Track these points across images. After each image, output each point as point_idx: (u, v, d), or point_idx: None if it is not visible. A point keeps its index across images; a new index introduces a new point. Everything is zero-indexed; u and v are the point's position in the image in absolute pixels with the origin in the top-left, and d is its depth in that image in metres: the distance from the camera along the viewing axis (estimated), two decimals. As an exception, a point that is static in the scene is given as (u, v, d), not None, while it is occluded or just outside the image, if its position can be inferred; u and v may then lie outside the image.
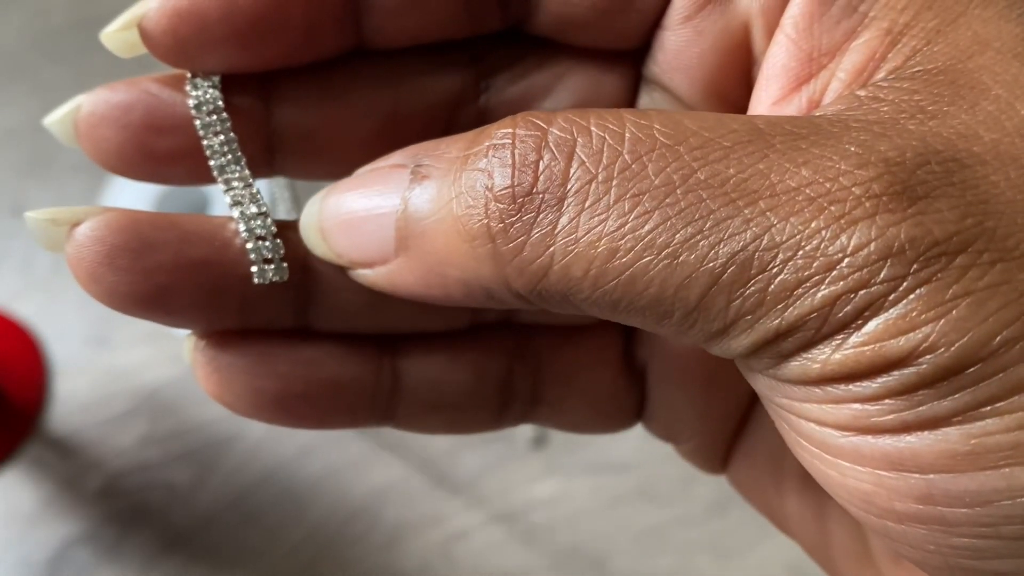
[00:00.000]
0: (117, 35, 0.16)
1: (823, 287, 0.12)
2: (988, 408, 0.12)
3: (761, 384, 0.14)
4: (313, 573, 0.47)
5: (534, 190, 0.13)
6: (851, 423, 0.13)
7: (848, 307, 0.12)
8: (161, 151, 0.16)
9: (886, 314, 0.12)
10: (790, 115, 0.14)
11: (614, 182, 0.13)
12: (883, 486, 0.13)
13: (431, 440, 0.49)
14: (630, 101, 0.18)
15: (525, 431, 0.50)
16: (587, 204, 0.13)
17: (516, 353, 0.19)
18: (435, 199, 0.14)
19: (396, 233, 0.14)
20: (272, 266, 0.16)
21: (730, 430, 0.20)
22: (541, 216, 0.13)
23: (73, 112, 0.16)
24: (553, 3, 0.17)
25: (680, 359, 0.20)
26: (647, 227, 0.13)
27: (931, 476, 0.12)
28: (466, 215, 0.14)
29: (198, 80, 0.16)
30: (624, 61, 0.18)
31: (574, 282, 0.13)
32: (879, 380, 0.12)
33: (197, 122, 0.16)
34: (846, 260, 0.12)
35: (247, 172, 0.16)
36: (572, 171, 0.13)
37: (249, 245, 0.16)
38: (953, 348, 0.12)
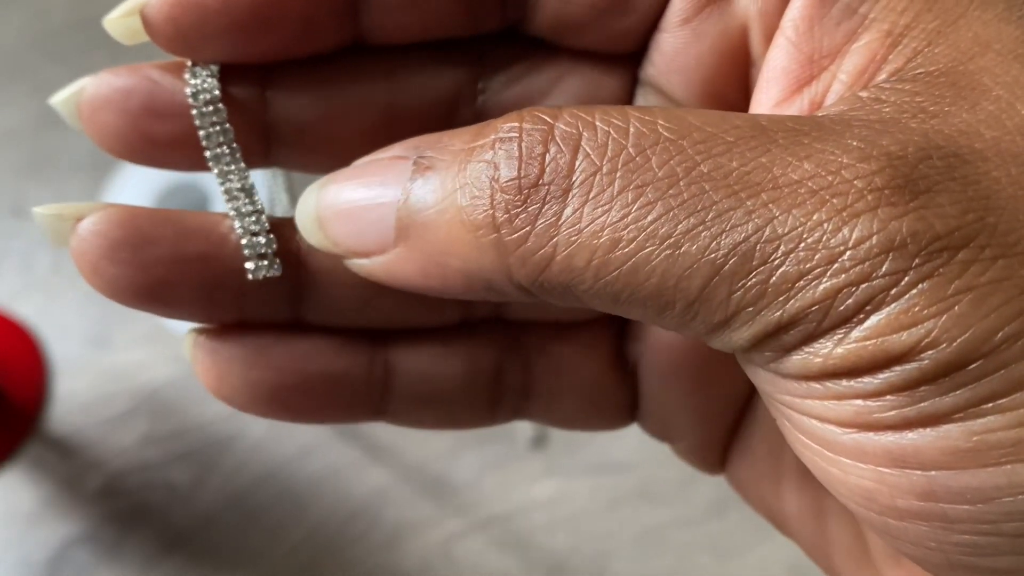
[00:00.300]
0: (120, 21, 0.16)
1: (825, 279, 0.12)
2: (990, 405, 0.12)
3: (763, 380, 0.14)
4: (313, 573, 0.47)
5: (540, 181, 0.13)
6: (853, 419, 0.13)
7: (850, 300, 0.12)
8: (160, 136, 0.16)
9: (888, 309, 0.12)
10: (793, 114, 0.14)
11: (618, 174, 0.13)
12: (885, 483, 0.13)
13: (431, 440, 0.49)
14: (627, 104, 0.18)
15: (525, 431, 0.50)
16: (591, 195, 0.13)
17: (506, 348, 0.19)
18: (438, 190, 0.14)
19: (397, 223, 0.14)
20: (266, 262, 0.16)
21: (725, 429, 0.20)
22: (546, 207, 0.13)
23: (77, 94, 0.16)
24: (551, 3, 0.17)
25: (671, 357, 0.20)
26: (649, 218, 0.13)
27: (933, 473, 0.12)
28: (471, 205, 0.14)
29: (197, 69, 0.16)
30: (621, 64, 0.18)
31: (576, 273, 0.13)
32: (881, 376, 0.12)
33: (194, 111, 0.16)
34: (848, 253, 0.12)
35: (242, 164, 0.17)
36: (577, 163, 0.13)
37: (243, 241, 0.16)
38: (955, 344, 0.12)
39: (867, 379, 0.12)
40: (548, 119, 0.13)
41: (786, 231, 0.12)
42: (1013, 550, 0.12)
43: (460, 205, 0.14)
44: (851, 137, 0.13)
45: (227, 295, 0.17)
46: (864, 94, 0.14)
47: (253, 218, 0.17)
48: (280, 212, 0.25)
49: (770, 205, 0.12)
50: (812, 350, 0.13)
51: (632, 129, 0.13)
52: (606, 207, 0.13)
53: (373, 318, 0.18)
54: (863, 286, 0.12)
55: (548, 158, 0.13)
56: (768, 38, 0.16)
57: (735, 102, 0.17)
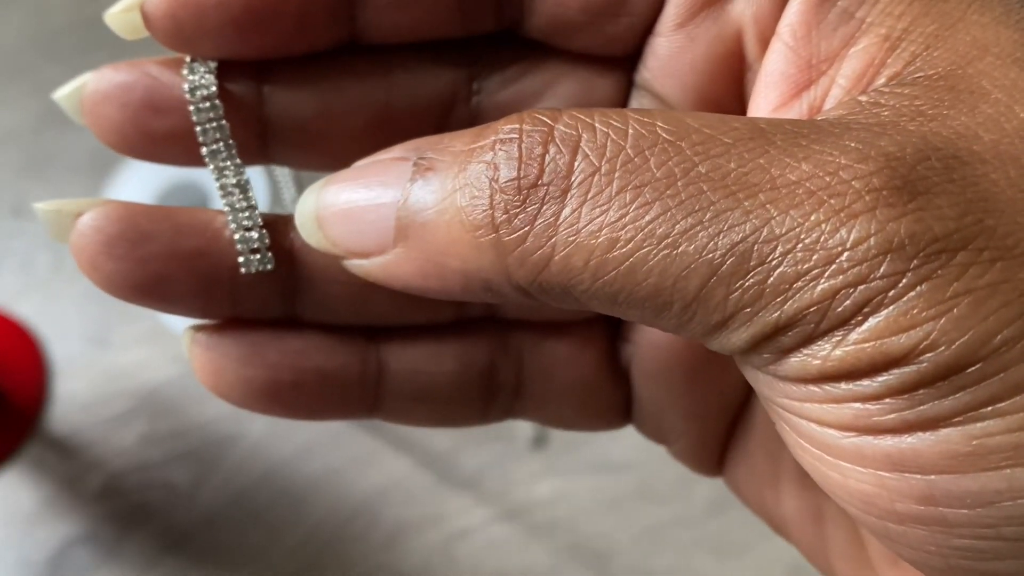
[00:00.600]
0: (120, 16, 0.16)
1: (822, 281, 0.12)
2: (989, 408, 0.12)
3: (762, 384, 0.14)
4: (313, 572, 0.47)
5: (539, 182, 0.13)
6: (852, 423, 0.13)
7: (848, 302, 0.12)
8: (158, 131, 0.17)
9: (886, 311, 0.12)
10: (791, 117, 0.14)
11: (616, 174, 0.13)
12: (884, 487, 0.13)
13: (431, 440, 0.49)
14: (621, 107, 0.18)
15: (525, 431, 0.50)
16: (590, 195, 0.13)
17: (499, 347, 0.19)
18: (438, 191, 0.14)
19: (396, 224, 0.14)
20: (258, 256, 0.17)
21: (721, 431, 0.20)
22: (545, 207, 0.13)
23: (79, 89, 0.17)
24: (546, 6, 0.17)
25: (663, 358, 0.20)
26: (647, 218, 0.13)
27: (932, 477, 0.12)
28: (470, 206, 0.14)
29: (195, 65, 0.17)
30: (616, 67, 0.18)
31: (574, 273, 0.13)
32: (880, 379, 0.12)
33: (191, 106, 0.16)
34: (846, 254, 0.12)
35: (238, 160, 0.17)
36: (576, 164, 0.13)
37: (236, 236, 0.17)
38: (954, 346, 0.12)
39: (866, 382, 0.12)
40: (548, 121, 0.14)
41: (784, 232, 0.12)
42: (1013, 554, 0.12)
43: (459, 205, 0.14)
44: (849, 139, 0.13)
45: (221, 290, 0.17)
46: (863, 98, 0.14)
47: (246, 214, 0.17)
48: (288, 203, 0.25)
49: (768, 206, 0.12)
50: (810, 352, 0.13)
51: (631, 131, 0.13)
52: (604, 207, 0.13)
53: (367, 315, 0.18)
54: (861, 288, 0.12)
55: (547, 159, 0.13)
56: (763, 43, 0.16)
57: (730, 106, 0.17)
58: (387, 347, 0.18)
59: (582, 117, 0.13)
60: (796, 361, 0.13)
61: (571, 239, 0.13)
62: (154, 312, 0.55)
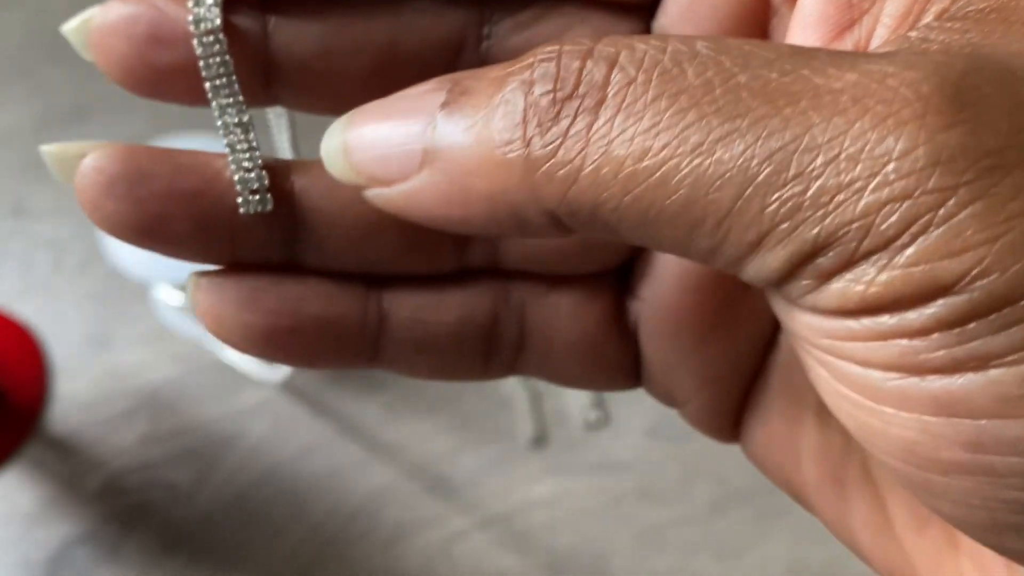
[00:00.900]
0: None
1: (866, 194, 0.11)
2: None
3: (799, 324, 0.13)
4: (313, 573, 0.47)
5: (575, 93, 0.13)
6: (898, 361, 0.12)
7: (893, 218, 0.11)
8: (163, 65, 0.16)
9: (936, 231, 0.11)
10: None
11: (653, 83, 0.13)
12: (929, 432, 0.12)
13: (432, 440, 0.49)
14: None
15: (525, 431, 0.50)
16: (624, 105, 0.13)
17: (501, 299, 0.19)
18: (470, 113, 0.14)
19: (424, 146, 0.14)
20: (256, 196, 0.17)
21: (734, 395, 0.20)
22: (578, 119, 0.13)
23: (87, 21, 0.16)
24: None
25: (671, 316, 0.19)
26: (681, 125, 0.12)
27: (982, 422, 0.12)
28: (502, 121, 0.13)
29: None
30: (634, 13, 0.18)
31: (604, 186, 0.13)
32: (928, 310, 0.12)
33: (195, 40, 0.16)
34: (891, 165, 0.11)
35: (240, 97, 0.17)
36: (613, 76, 0.13)
37: (236, 176, 0.17)
38: (1008, 274, 0.11)
39: (913, 314, 0.12)
40: (588, 42, 0.13)
41: (826, 140, 0.12)
42: None
43: (491, 122, 0.13)
44: (899, 56, 0.12)
45: (220, 231, 0.17)
46: (913, 34, 0.13)
47: (247, 154, 0.17)
48: (282, 153, 0.25)
49: (810, 112, 0.12)
50: (853, 277, 0.12)
51: (671, 47, 0.13)
52: (638, 115, 0.12)
53: (367, 261, 0.18)
54: (908, 203, 0.11)
55: (585, 72, 0.13)
56: None
57: None
58: (388, 296, 0.18)
59: (622, 38, 0.13)
60: (837, 288, 0.12)
61: (602, 149, 0.13)
62: (154, 312, 0.55)
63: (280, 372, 0.49)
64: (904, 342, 0.12)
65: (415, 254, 0.18)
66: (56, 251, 0.53)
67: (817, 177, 0.12)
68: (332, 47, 0.17)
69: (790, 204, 0.12)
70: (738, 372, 0.20)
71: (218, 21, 0.16)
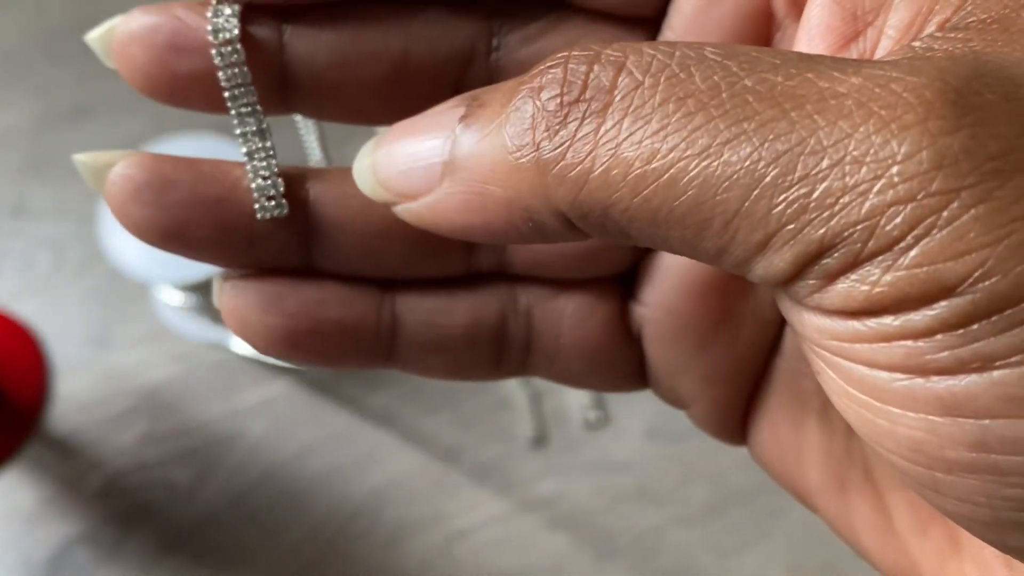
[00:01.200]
0: None
1: (871, 195, 0.12)
2: None
3: (807, 325, 0.13)
4: (313, 573, 0.47)
5: (582, 97, 0.13)
6: (903, 362, 0.12)
7: (898, 219, 0.11)
8: (182, 73, 0.17)
9: (940, 233, 0.11)
10: None
11: (660, 87, 0.13)
12: (935, 433, 0.12)
13: (432, 440, 0.50)
14: None
15: (525, 431, 0.50)
16: (631, 108, 0.13)
17: (509, 303, 0.20)
18: (486, 124, 0.14)
19: (444, 159, 0.15)
20: (273, 203, 0.17)
21: (738, 398, 0.20)
22: (586, 122, 0.13)
23: (110, 31, 0.17)
24: None
25: (673, 320, 0.19)
26: (689, 127, 0.12)
27: (986, 422, 0.12)
28: (512, 128, 0.14)
29: (220, 7, 0.17)
30: (640, 26, 0.18)
31: (614, 187, 0.13)
32: (932, 311, 0.12)
33: (213, 49, 0.17)
34: (896, 167, 0.11)
35: (258, 106, 0.17)
36: (620, 80, 0.13)
37: (253, 184, 0.17)
38: (1011, 276, 0.11)
39: (917, 315, 0.12)
40: (596, 48, 0.14)
41: (831, 143, 0.12)
42: None
43: (503, 130, 0.14)
44: (903, 63, 0.13)
45: (239, 237, 0.18)
46: (916, 43, 0.14)
47: (264, 162, 0.18)
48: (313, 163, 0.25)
49: (815, 116, 0.12)
50: (858, 277, 0.12)
51: (678, 52, 0.13)
52: (646, 119, 0.13)
53: (379, 265, 0.19)
54: (912, 205, 0.11)
55: (592, 76, 0.13)
56: (793, 0, 0.16)
57: None
58: (401, 300, 0.19)
59: (629, 44, 0.13)
60: (843, 288, 0.12)
61: (611, 151, 0.13)
62: (154, 312, 0.55)
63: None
64: (909, 343, 0.12)
65: (425, 258, 0.19)
66: (56, 251, 0.53)
67: (823, 179, 0.12)
68: (346, 57, 0.18)
69: (796, 205, 0.12)
70: (740, 376, 0.20)
71: (236, 31, 0.17)
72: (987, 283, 0.11)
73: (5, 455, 0.48)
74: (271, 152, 0.18)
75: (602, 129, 0.13)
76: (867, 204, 0.12)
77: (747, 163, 0.12)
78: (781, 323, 0.19)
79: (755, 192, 0.12)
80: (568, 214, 0.14)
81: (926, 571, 0.17)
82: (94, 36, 0.17)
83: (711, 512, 0.48)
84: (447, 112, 0.15)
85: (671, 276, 0.19)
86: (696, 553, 0.47)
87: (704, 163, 0.12)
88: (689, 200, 0.12)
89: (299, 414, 0.50)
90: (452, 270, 0.19)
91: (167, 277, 0.44)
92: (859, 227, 0.12)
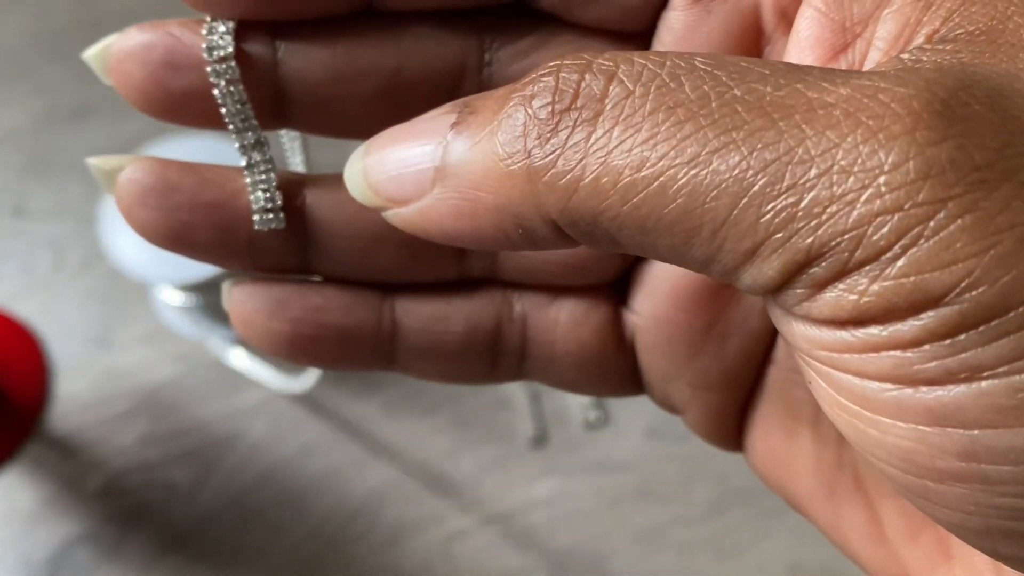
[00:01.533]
0: None
1: (859, 205, 0.12)
2: None
3: (797, 335, 0.13)
4: (313, 572, 0.47)
5: (573, 106, 0.13)
6: (892, 373, 0.12)
7: (885, 229, 0.12)
8: (178, 90, 0.17)
9: (927, 243, 0.11)
10: None
11: (650, 96, 0.13)
12: (924, 442, 0.12)
13: (431, 440, 0.50)
14: None
15: (525, 431, 0.50)
16: (622, 117, 0.13)
17: (504, 309, 0.20)
18: (478, 130, 0.14)
19: (435, 165, 0.15)
20: (271, 215, 0.18)
21: (731, 405, 0.20)
22: (577, 130, 0.13)
23: (107, 48, 0.17)
24: None
25: (664, 329, 0.20)
26: (679, 136, 0.12)
27: (975, 432, 0.12)
28: (504, 136, 0.14)
29: (214, 25, 0.17)
30: (630, 42, 0.18)
31: (603, 195, 0.13)
32: (919, 321, 0.12)
33: (208, 67, 0.17)
34: (883, 178, 0.11)
35: (254, 121, 0.18)
36: (611, 89, 0.13)
37: (252, 196, 0.18)
38: (997, 286, 0.11)
39: (904, 325, 0.12)
40: (587, 57, 0.14)
41: (819, 152, 0.12)
42: None
43: (495, 137, 0.14)
44: (891, 72, 0.13)
45: (238, 241, 0.18)
46: (905, 56, 0.14)
47: (263, 176, 0.18)
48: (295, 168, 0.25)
49: (803, 126, 0.12)
50: (846, 287, 0.12)
51: (668, 62, 0.13)
52: (636, 127, 0.13)
53: (373, 269, 0.19)
54: (899, 215, 0.11)
55: (583, 85, 0.13)
56: (782, 14, 0.16)
57: None
58: (401, 306, 0.19)
59: (621, 54, 0.14)
60: (831, 297, 0.12)
61: (601, 159, 0.13)
62: (154, 312, 0.55)
63: (301, 383, 0.49)
64: (897, 353, 0.12)
65: (418, 262, 0.19)
66: (56, 251, 0.53)
67: (811, 188, 0.12)
68: (339, 73, 0.18)
69: (784, 214, 0.12)
70: (732, 384, 0.20)
71: (231, 49, 0.17)
72: (974, 293, 0.11)
73: (5, 455, 0.48)
74: (270, 166, 0.18)
75: (593, 137, 0.13)
76: (855, 214, 0.12)
77: (736, 172, 0.12)
78: (773, 332, 0.19)
79: (743, 201, 0.12)
80: (558, 221, 0.14)
81: None
82: (91, 54, 0.17)
83: (712, 512, 0.48)
84: (438, 118, 0.15)
85: (662, 285, 0.19)
86: (696, 553, 0.47)
87: (693, 172, 0.12)
88: (678, 208, 0.13)
89: (299, 414, 0.50)
90: (445, 275, 0.20)
91: (167, 277, 0.44)
92: (847, 236, 0.12)
